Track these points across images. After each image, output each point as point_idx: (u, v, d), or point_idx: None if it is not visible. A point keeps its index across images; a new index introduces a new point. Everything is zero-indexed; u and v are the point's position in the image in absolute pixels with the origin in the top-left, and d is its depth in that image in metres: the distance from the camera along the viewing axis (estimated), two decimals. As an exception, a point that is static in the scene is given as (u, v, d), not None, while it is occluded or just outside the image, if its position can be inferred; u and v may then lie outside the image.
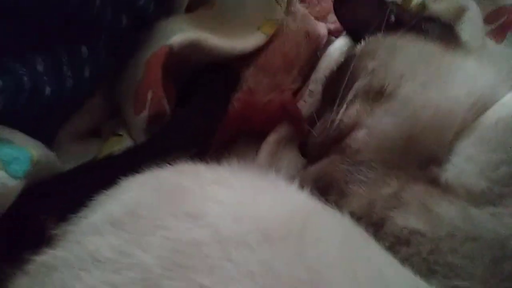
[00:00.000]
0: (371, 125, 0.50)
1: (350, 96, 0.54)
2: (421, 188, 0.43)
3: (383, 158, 0.49)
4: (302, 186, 0.41)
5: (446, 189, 0.43)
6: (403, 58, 0.53)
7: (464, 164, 0.44)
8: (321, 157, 0.54)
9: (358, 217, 0.42)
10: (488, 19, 0.74)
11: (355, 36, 0.67)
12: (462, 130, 0.48)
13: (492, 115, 0.47)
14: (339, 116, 0.53)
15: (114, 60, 0.61)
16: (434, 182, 0.44)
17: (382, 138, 0.50)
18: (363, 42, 0.61)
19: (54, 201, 0.42)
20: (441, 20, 0.61)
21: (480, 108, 0.48)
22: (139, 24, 0.62)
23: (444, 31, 0.59)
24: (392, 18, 0.60)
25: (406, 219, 0.41)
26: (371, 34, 0.61)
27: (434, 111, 0.48)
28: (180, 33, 0.61)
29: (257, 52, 0.66)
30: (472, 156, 0.44)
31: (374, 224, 0.42)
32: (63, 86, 0.50)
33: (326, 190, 0.47)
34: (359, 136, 0.50)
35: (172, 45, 0.60)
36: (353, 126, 0.51)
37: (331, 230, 0.36)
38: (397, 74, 0.52)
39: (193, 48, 0.61)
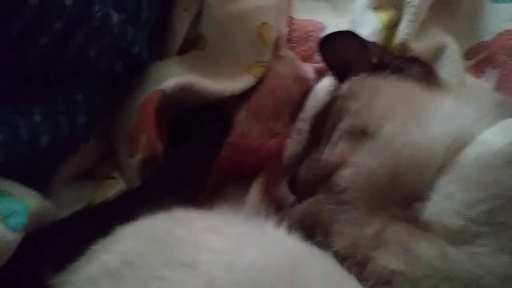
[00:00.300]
0: (356, 164, 0.53)
1: (335, 136, 0.56)
2: (402, 227, 0.45)
3: (369, 195, 0.51)
4: (290, 227, 0.43)
5: (426, 227, 0.45)
6: (383, 99, 0.56)
7: (443, 202, 0.46)
8: (309, 195, 0.56)
9: (343, 257, 0.44)
10: (467, 55, 0.77)
11: (340, 76, 0.70)
12: (442, 167, 0.50)
13: (470, 152, 0.50)
14: (325, 155, 0.55)
15: (108, 104, 0.64)
16: (415, 221, 0.46)
17: (367, 176, 0.52)
18: (346, 83, 0.64)
19: (50, 251, 0.44)
20: (421, 60, 0.65)
21: (459, 146, 0.51)
22: (133, 68, 0.65)
23: (423, 71, 0.62)
24: (374, 59, 0.63)
25: (387, 259, 0.43)
26: (355, 75, 0.64)
27: (415, 150, 0.51)
28: (172, 77, 0.64)
29: (249, 95, 0.68)
30: (451, 194, 0.47)
31: (358, 264, 0.44)
32: (59, 135, 0.52)
33: (312, 229, 0.49)
34: (345, 174, 0.53)
35: (165, 90, 0.63)
36: (339, 165, 0.54)
37: (318, 276, 0.38)
38: (379, 114, 0.54)
39: (185, 91, 0.64)
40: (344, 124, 0.56)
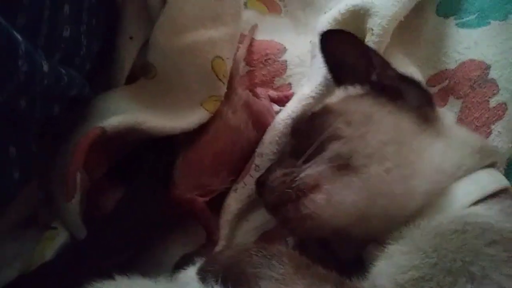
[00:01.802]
0: (330, 193, 0.52)
1: (317, 157, 0.55)
2: None
3: (330, 229, 0.53)
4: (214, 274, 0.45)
5: None
6: (376, 135, 0.55)
7: (383, 264, 0.47)
8: (276, 209, 0.56)
9: None
10: (430, 82, 0.77)
11: (337, 76, 0.68)
12: (409, 218, 0.51)
13: (430, 211, 0.51)
14: (302, 174, 0.54)
15: (47, 149, 0.60)
16: (342, 284, 0.45)
17: (337, 209, 0.52)
18: (340, 92, 0.64)
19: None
20: (421, 86, 0.63)
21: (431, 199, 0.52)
22: (74, 106, 0.62)
23: (422, 100, 0.60)
24: (374, 77, 0.62)
25: None
26: (351, 83, 0.63)
27: (390, 200, 0.52)
28: (116, 115, 0.61)
29: (191, 138, 0.66)
30: (391, 255, 0.47)
31: None
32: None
33: (237, 283, 0.47)
34: (317, 199, 0.52)
35: (105, 128, 0.60)
36: (313, 188, 0.53)
37: None
38: (367, 152, 0.54)
39: (129, 130, 0.62)
40: (330, 149, 0.54)
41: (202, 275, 0.47)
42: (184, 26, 0.63)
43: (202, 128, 0.66)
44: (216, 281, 0.45)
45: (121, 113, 0.62)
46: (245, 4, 0.88)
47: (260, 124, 0.69)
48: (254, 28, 0.78)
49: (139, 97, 0.67)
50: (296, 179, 0.54)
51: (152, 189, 0.62)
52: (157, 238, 0.64)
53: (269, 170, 0.60)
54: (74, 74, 0.57)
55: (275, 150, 0.69)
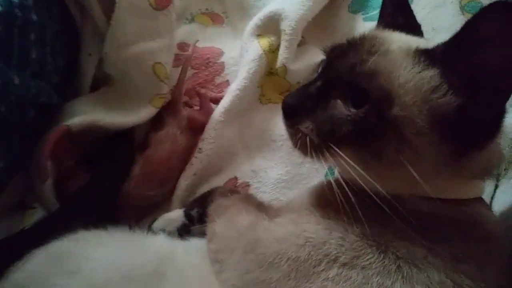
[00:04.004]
0: None
1: None
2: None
3: None
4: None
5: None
6: None
7: None
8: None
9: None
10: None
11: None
12: None
13: None
14: None
15: (28, 146, 0.80)
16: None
17: None
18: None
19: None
20: None
21: None
22: (46, 111, 0.81)
23: None
24: None
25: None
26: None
27: None
28: (78, 115, 0.80)
29: (150, 151, 0.86)
30: None
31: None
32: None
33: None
34: None
35: (70, 126, 0.79)
36: None
37: (177, 267, 0.57)
38: None
39: (91, 127, 0.81)
40: None
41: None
42: (126, 41, 0.82)
43: (158, 148, 0.85)
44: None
45: (83, 114, 0.81)
46: (193, 18, 1.09)
47: (202, 128, 0.89)
48: (195, 42, 0.99)
49: (100, 101, 0.86)
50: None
51: (110, 179, 0.82)
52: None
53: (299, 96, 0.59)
54: (43, 85, 0.76)
55: (213, 135, 0.87)
